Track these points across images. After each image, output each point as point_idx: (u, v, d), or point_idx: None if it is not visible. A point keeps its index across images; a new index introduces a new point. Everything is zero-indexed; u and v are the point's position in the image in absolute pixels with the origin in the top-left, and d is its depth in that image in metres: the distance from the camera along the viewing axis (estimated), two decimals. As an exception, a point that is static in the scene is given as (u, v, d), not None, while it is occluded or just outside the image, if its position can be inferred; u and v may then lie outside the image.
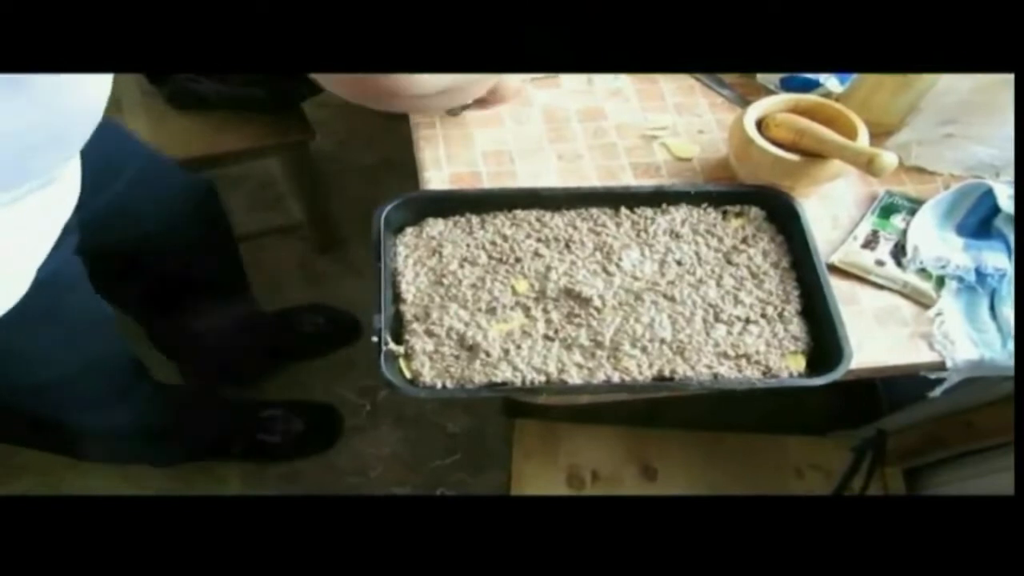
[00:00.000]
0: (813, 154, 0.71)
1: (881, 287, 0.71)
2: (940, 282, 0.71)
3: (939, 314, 0.69)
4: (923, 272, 0.71)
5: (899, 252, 0.72)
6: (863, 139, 0.71)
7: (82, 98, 0.56)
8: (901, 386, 1.20)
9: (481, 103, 0.74)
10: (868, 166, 0.66)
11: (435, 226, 0.70)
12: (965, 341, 0.67)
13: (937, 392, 0.71)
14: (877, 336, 0.68)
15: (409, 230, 0.70)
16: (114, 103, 1.26)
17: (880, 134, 0.79)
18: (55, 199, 0.67)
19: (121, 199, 0.87)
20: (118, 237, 0.91)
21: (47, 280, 0.69)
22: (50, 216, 0.68)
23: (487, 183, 0.77)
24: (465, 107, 0.78)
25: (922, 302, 0.70)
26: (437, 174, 0.77)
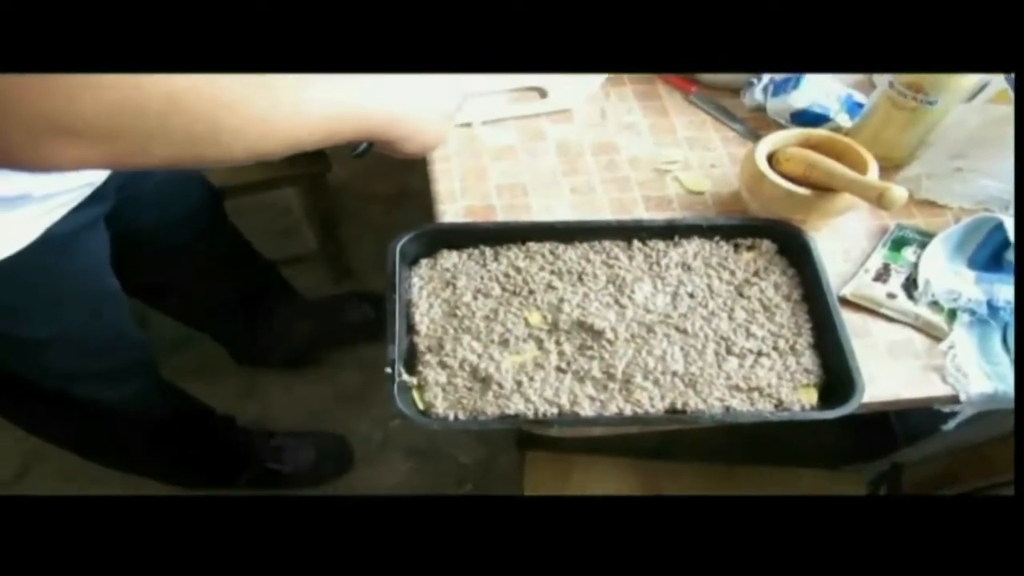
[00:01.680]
0: (824, 188, 0.72)
1: (893, 320, 0.71)
2: (952, 315, 0.71)
3: (951, 347, 0.69)
4: (935, 305, 0.71)
5: (910, 285, 0.72)
6: (873, 173, 0.72)
7: None
8: (915, 419, 1.19)
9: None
10: (878, 200, 0.66)
11: (449, 258, 0.71)
12: (978, 374, 0.67)
13: (951, 425, 0.71)
14: (889, 369, 0.68)
15: (424, 262, 0.71)
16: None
17: (890, 168, 0.80)
18: None
19: (156, 185, 0.89)
20: (145, 223, 0.94)
21: (64, 235, 0.69)
22: (67, 179, 0.67)
23: (501, 216, 0.78)
24: (365, 151, 0.70)
25: (934, 335, 0.70)
26: (452, 207, 0.78)
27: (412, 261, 0.71)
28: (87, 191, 0.73)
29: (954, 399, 0.67)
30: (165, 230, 1.00)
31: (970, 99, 0.78)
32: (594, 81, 0.92)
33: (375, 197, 1.76)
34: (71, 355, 0.83)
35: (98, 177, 0.73)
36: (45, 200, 0.67)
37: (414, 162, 0.85)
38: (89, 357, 0.86)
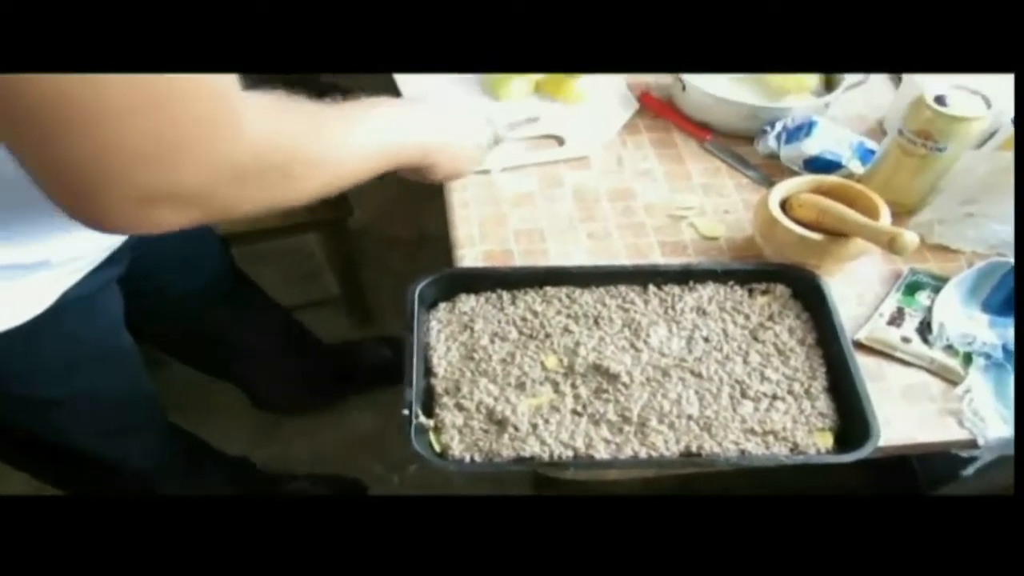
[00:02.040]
0: (836, 233, 0.73)
1: (908, 364, 0.72)
2: (967, 359, 0.71)
3: (968, 391, 0.69)
4: (950, 349, 0.71)
5: (925, 329, 0.73)
6: (885, 218, 0.73)
7: None
8: (937, 463, 1.18)
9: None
10: (890, 245, 0.67)
11: (467, 302, 0.72)
12: (995, 418, 0.67)
13: (971, 471, 0.71)
14: (905, 413, 0.68)
15: (442, 306, 0.72)
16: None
17: (903, 214, 0.81)
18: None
19: (168, 241, 0.91)
20: (158, 280, 0.94)
21: (80, 299, 0.69)
22: (95, 238, 0.68)
23: (519, 260, 0.80)
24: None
25: (950, 379, 0.70)
26: (471, 251, 0.80)
27: (431, 305, 0.72)
28: (104, 255, 0.73)
29: (972, 443, 0.67)
30: (179, 285, 1.01)
31: (979, 146, 0.79)
32: (611, 129, 0.95)
33: (396, 242, 1.79)
34: (84, 414, 0.83)
35: (116, 240, 0.73)
36: (63, 265, 0.67)
37: (434, 207, 0.88)
38: (102, 415, 0.86)
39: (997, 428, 0.67)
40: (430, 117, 0.68)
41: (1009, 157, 0.74)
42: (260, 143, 0.46)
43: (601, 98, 1.00)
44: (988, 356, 0.71)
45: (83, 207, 0.43)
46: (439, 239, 0.84)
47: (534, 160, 0.90)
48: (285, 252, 1.72)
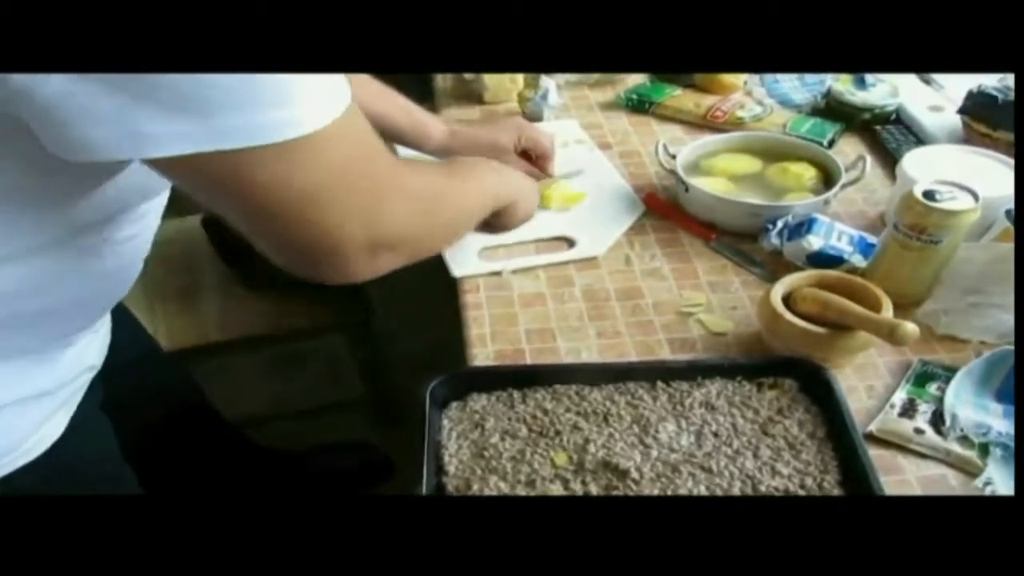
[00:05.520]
0: (840, 326, 0.74)
1: (924, 456, 0.71)
2: (984, 449, 0.70)
3: (988, 483, 0.68)
4: (965, 440, 0.71)
5: (938, 420, 0.72)
6: (887, 310, 0.74)
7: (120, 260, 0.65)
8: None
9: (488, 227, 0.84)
10: (890, 336, 0.68)
11: (478, 400, 0.74)
12: (1016, 512, 0.66)
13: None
14: (923, 507, 0.67)
15: (454, 404, 0.74)
16: (193, 285, 1.38)
17: (908, 305, 0.81)
18: (88, 346, 0.72)
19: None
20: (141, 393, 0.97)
21: (70, 432, 0.70)
22: (79, 365, 0.71)
23: (530, 359, 0.82)
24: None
25: (968, 471, 0.70)
26: (483, 351, 0.83)
27: (443, 404, 0.74)
28: (89, 375, 0.75)
29: (993, 537, 0.66)
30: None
31: (976, 238, 0.81)
32: (618, 230, 0.98)
33: (419, 342, 1.81)
34: None
35: (98, 359, 0.75)
36: (55, 394, 0.68)
37: (449, 309, 0.91)
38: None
39: (1018, 521, 0.65)
40: (502, 167, 0.84)
41: (1007, 248, 0.76)
42: (423, 189, 0.62)
43: (608, 201, 1.04)
44: (1005, 446, 0.70)
45: (328, 267, 0.55)
46: (455, 341, 0.87)
47: (544, 261, 0.94)
48: (310, 354, 1.75)
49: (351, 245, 0.54)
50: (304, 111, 0.46)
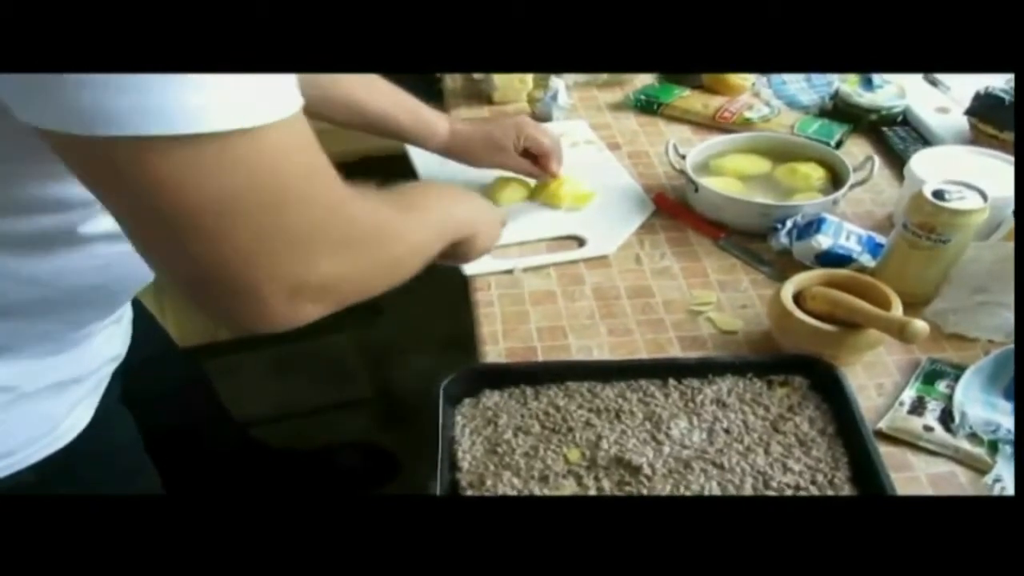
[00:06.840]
0: (850, 324, 0.75)
1: (934, 453, 0.72)
2: (993, 447, 0.71)
3: (998, 480, 0.69)
4: (974, 437, 0.71)
5: (947, 418, 0.73)
6: (896, 309, 0.74)
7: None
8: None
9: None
10: (899, 333, 0.69)
11: (491, 397, 0.75)
12: (1025, 508, 0.66)
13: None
14: (933, 503, 0.68)
15: (467, 401, 0.75)
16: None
17: (917, 304, 0.82)
18: (112, 337, 0.72)
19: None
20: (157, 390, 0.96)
21: (96, 421, 0.71)
22: (103, 354, 0.71)
23: (542, 357, 0.82)
24: None
25: (977, 468, 0.70)
26: (495, 348, 0.83)
27: (456, 401, 0.75)
28: (113, 366, 0.75)
29: (1003, 534, 0.66)
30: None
31: (984, 238, 0.82)
32: (628, 229, 0.99)
33: (426, 340, 1.82)
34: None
35: (122, 349, 0.76)
36: (82, 382, 0.69)
37: (462, 305, 0.91)
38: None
39: (1027, 517, 0.66)
40: (461, 194, 0.77)
41: (1013, 247, 0.77)
42: (366, 223, 0.54)
43: (618, 200, 1.04)
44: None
45: (240, 310, 0.47)
46: (469, 337, 0.88)
47: (555, 260, 0.94)
48: (316, 352, 1.76)
49: (268, 283, 0.45)
50: (224, 102, 0.39)
